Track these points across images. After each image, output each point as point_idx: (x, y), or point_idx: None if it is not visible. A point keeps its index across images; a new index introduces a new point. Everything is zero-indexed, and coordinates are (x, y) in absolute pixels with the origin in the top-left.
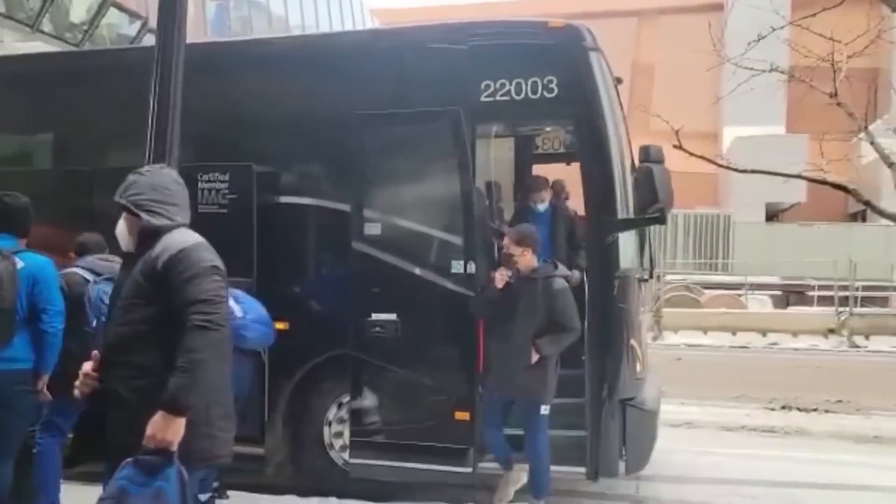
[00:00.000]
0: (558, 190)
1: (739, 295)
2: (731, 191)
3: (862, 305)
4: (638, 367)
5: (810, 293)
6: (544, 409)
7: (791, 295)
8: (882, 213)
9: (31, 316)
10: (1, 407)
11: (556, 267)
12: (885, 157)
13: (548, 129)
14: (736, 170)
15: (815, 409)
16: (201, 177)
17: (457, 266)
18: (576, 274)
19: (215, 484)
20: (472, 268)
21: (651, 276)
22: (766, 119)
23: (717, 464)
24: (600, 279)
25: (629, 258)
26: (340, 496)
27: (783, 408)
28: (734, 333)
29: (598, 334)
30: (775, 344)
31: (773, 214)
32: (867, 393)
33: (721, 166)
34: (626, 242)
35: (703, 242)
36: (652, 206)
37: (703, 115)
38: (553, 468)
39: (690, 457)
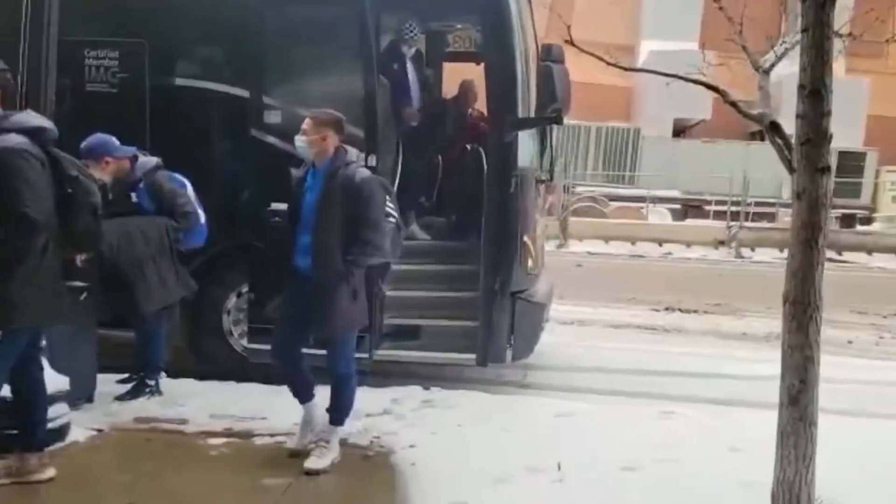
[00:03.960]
0: (466, 91)
1: (641, 208)
2: (642, 106)
3: (753, 220)
4: (530, 263)
5: (707, 207)
6: None
7: (690, 209)
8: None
9: None
10: None
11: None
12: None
13: (459, 26)
14: (634, 69)
15: (695, 311)
16: (88, 52)
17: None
18: None
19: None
20: (373, 161)
21: (552, 179)
22: (682, 34)
23: (602, 356)
24: (498, 177)
25: (528, 158)
26: (239, 380)
27: (667, 309)
28: (633, 243)
29: (493, 230)
30: (669, 254)
31: (680, 130)
32: (744, 298)
33: (624, 69)
34: (526, 143)
35: (612, 155)
36: (550, 106)
37: (622, 28)
38: (445, 355)
39: (578, 350)
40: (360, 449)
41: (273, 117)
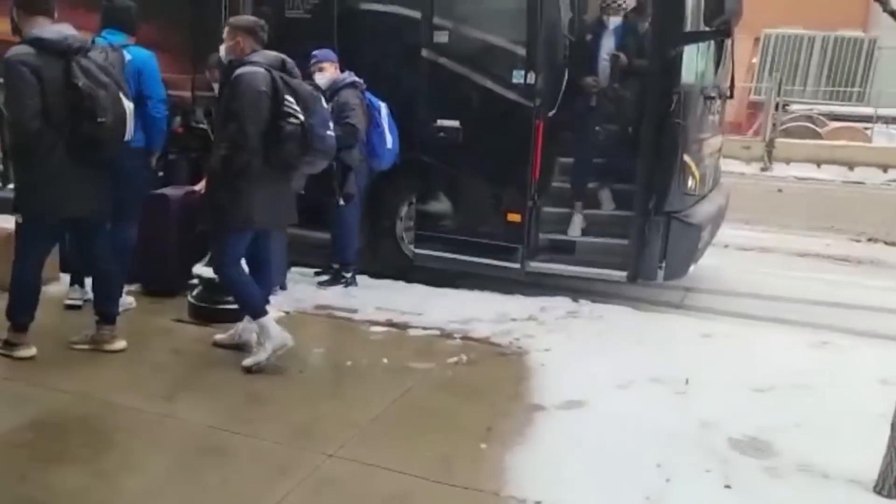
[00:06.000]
0: (643, 4)
1: (866, 128)
2: (882, 11)
3: None
4: (690, 183)
5: None
6: None
7: None
8: None
9: (138, 102)
10: (123, 178)
11: None
12: None
13: None
14: None
15: None
16: None
17: (517, 76)
18: None
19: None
20: (531, 78)
21: (731, 96)
22: None
23: (774, 283)
24: (659, 93)
25: (694, 73)
26: (408, 281)
27: (869, 240)
28: (851, 168)
29: (651, 148)
30: (895, 181)
31: None
32: None
33: None
34: (692, 57)
35: (840, 69)
36: (718, 19)
37: None
38: (599, 271)
39: (751, 276)
40: (498, 347)
41: (441, 38)
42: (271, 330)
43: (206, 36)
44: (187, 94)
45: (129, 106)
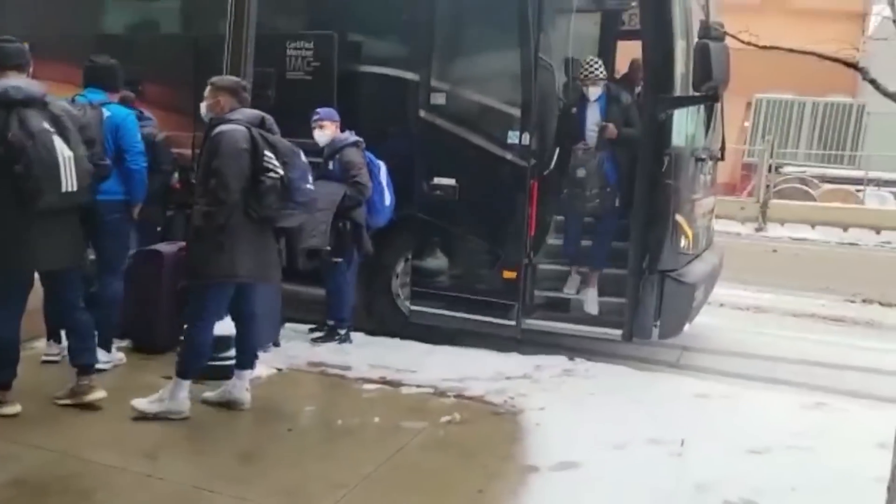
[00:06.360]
0: (635, 69)
1: (859, 190)
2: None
3: None
4: (683, 242)
5: None
6: None
7: None
8: None
9: (117, 156)
10: (104, 232)
11: None
12: None
13: (634, 3)
14: (767, 47)
15: None
16: (289, 45)
17: (513, 136)
18: None
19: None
20: (526, 139)
21: (721, 158)
22: None
23: (768, 343)
24: (650, 155)
25: (684, 136)
26: (403, 338)
27: (864, 301)
28: (845, 230)
29: (644, 208)
30: (888, 243)
31: None
32: None
33: (758, 46)
34: (683, 121)
35: (830, 133)
36: (706, 84)
37: None
38: (593, 329)
39: (745, 336)
40: (492, 406)
41: (438, 99)
42: (179, 395)
43: None
44: (187, 151)
45: (65, 153)
